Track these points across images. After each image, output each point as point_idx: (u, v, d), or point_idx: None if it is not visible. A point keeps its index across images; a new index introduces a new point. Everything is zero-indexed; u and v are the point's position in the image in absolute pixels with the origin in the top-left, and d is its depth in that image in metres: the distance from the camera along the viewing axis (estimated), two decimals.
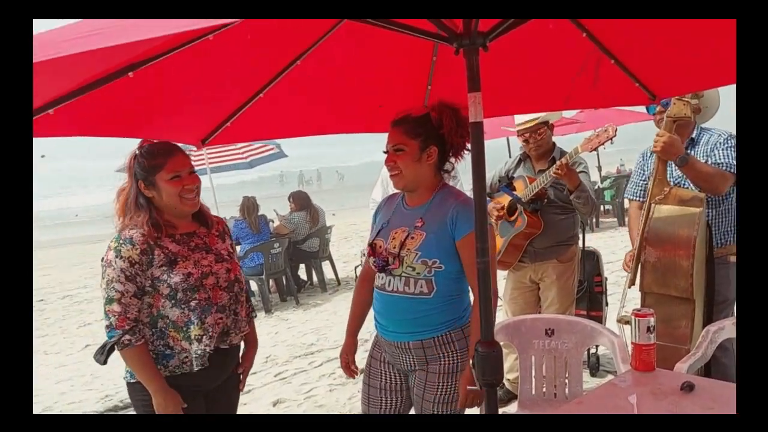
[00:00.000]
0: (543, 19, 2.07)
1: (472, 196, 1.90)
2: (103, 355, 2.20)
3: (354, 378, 2.63)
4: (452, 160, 2.32)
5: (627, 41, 2.38)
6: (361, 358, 2.58)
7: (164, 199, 2.21)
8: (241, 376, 2.52)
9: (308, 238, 8.19)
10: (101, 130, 2.30)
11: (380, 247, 2.32)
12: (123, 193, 2.25)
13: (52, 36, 1.44)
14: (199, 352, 2.21)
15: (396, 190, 2.43)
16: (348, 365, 2.56)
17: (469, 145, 2.20)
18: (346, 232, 13.58)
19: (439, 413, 2.28)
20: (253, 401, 4.44)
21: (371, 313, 2.49)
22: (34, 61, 1.34)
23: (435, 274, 2.21)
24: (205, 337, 2.22)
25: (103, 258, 2.18)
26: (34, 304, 9.20)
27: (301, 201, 8.25)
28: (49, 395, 5.10)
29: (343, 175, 42.13)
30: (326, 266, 8.65)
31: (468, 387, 2.20)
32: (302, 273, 8.83)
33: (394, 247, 2.26)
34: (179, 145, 2.31)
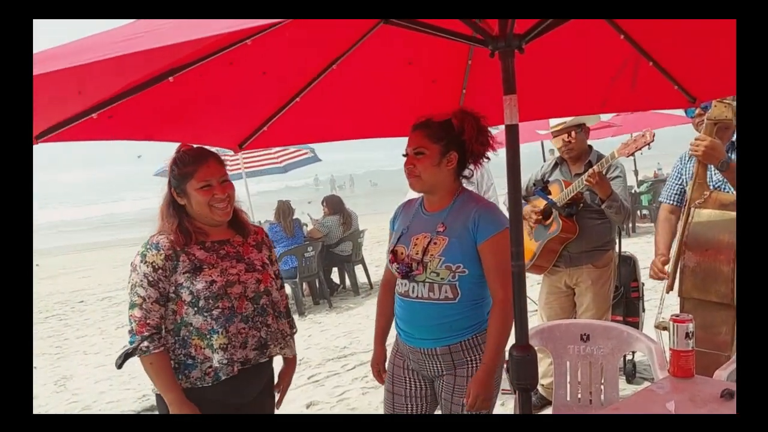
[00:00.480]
0: (580, 22, 2.05)
1: (503, 200, 1.91)
2: (120, 359, 2.15)
3: (383, 383, 2.61)
4: (471, 166, 2.32)
5: (666, 43, 2.34)
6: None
7: (195, 208, 2.19)
8: (279, 394, 2.46)
9: (341, 242, 8.23)
10: (141, 135, 2.35)
11: (402, 253, 2.31)
12: (163, 198, 2.24)
13: (98, 39, 1.47)
14: (224, 361, 2.14)
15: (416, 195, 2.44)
16: (380, 374, 2.56)
17: (489, 153, 2.26)
18: (378, 236, 13.60)
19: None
20: (286, 403, 4.44)
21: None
22: (79, 64, 1.37)
23: (459, 279, 2.21)
24: (230, 346, 2.15)
25: (132, 261, 2.17)
26: (74, 305, 9.43)
27: (334, 205, 8.30)
28: (89, 394, 5.21)
29: (377, 183, 42.22)
30: (359, 270, 8.68)
31: (503, 390, 2.19)
32: (335, 276, 8.87)
33: (417, 253, 2.25)
34: (215, 150, 2.28)
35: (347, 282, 8.68)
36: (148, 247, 2.14)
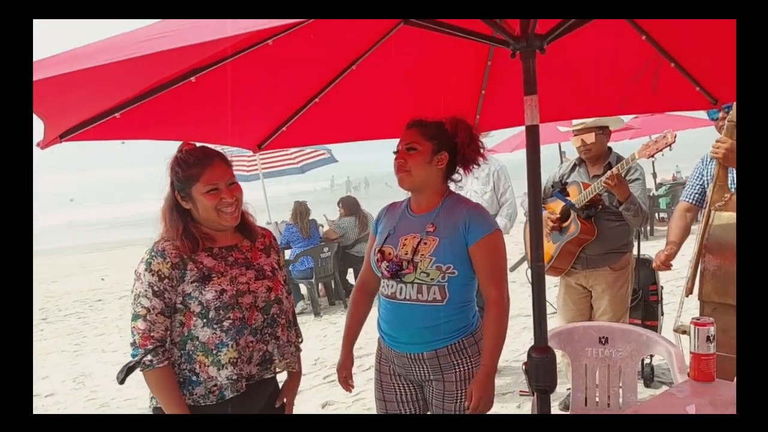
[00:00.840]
0: (601, 23, 2.04)
1: (521, 201, 1.91)
2: (122, 373, 2.02)
3: (350, 392, 2.55)
4: (460, 171, 2.31)
5: (688, 44, 2.33)
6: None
7: (201, 213, 2.03)
8: (285, 409, 2.30)
9: (357, 243, 8.24)
10: (163, 134, 2.37)
11: (389, 253, 2.27)
12: (165, 200, 2.07)
13: (123, 39, 1.49)
14: (233, 377, 2.02)
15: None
16: (346, 380, 2.49)
17: (480, 160, 2.27)
18: None
19: None
20: (302, 403, 4.48)
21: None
22: (105, 63, 1.39)
23: (448, 280, 2.19)
24: (239, 361, 2.02)
25: (136, 269, 2.02)
26: (93, 303, 9.52)
27: (350, 206, 8.31)
28: (107, 392, 5.26)
29: (392, 185, 42.21)
30: None
31: (520, 392, 2.18)
32: (350, 277, 8.88)
33: (406, 253, 2.22)
34: (222, 150, 2.14)
35: None
36: (153, 254, 1.99)
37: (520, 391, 4.10)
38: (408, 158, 2.22)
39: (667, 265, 3.30)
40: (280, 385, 2.32)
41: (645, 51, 2.35)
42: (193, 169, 2.00)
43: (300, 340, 2.31)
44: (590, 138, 3.63)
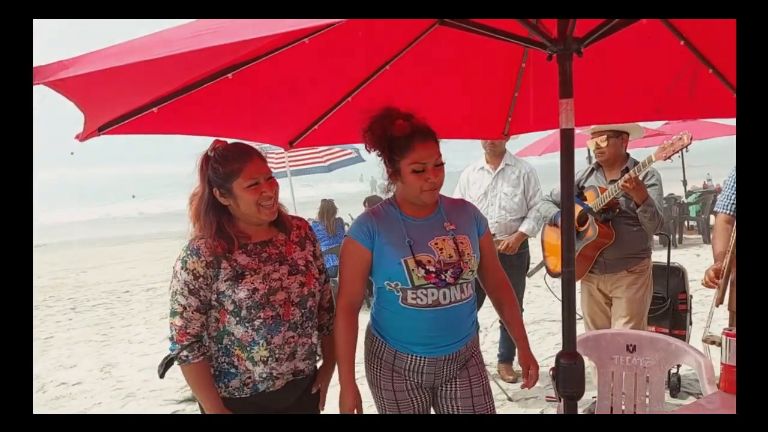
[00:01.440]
0: (639, 26, 2.02)
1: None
2: (161, 367, 2.11)
3: None
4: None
5: (727, 50, 2.29)
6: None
7: (242, 208, 2.05)
8: (321, 395, 2.34)
9: None
10: (198, 130, 2.40)
11: (430, 261, 2.16)
12: (195, 198, 2.08)
13: (165, 36, 1.51)
14: (264, 375, 2.08)
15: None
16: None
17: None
18: None
19: (491, 402, 2.36)
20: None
21: None
22: (146, 59, 1.41)
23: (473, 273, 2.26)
24: (270, 359, 2.07)
25: (173, 266, 2.07)
26: (120, 295, 9.66)
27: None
28: (133, 382, 5.33)
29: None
30: None
31: (547, 398, 2.17)
32: None
33: (450, 256, 2.18)
34: (255, 146, 2.16)
35: None
36: (188, 252, 2.03)
37: (547, 397, 4.08)
38: (440, 173, 2.15)
39: (716, 282, 3.21)
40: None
41: (683, 56, 2.32)
42: (234, 164, 2.02)
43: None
44: (603, 140, 3.60)
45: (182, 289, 2.02)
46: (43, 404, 4.90)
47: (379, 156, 2.19)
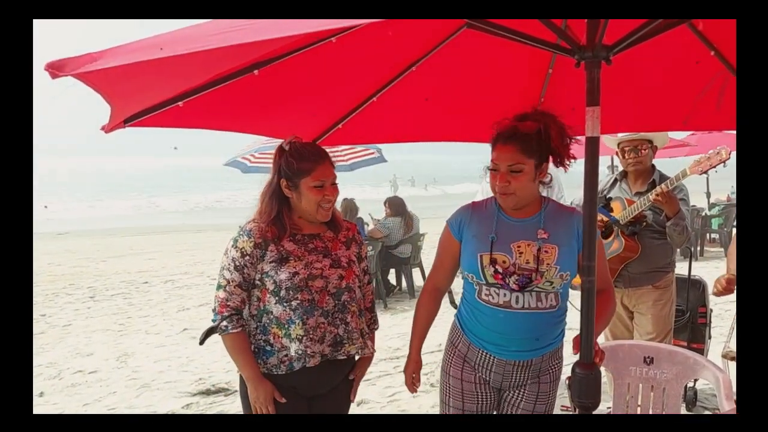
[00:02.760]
0: (668, 36, 2.00)
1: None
2: (203, 335, 2.32)
3: (415, 392, 2.50)
4: (557, 169, 2.20)
5: None
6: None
7: (302, 204, 2.21)
8: (353, 384, 2.44)
9: (401, 244, 8.24)
10: (221, 125, 2.42)
11: (504, 262, 2.15)
12: (267, 185, 2.26)
13: (193, 31, 1.52)
14: (300, 352, 2.18)
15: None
16: (414, 382, 2.43)
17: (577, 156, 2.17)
18: (438, 241, 13.54)
19: None
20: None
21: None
22: (172, 54, 1.42)
23: (563, 286, 2.19)
24: (305, 338, 2.18)
25: (227, 245, 2.24)
26: (139, 285, 9.74)
27: (396, 207, 8.32)
28: (148, 373, 5.38)
29: (428, 185, 42.59)
30: (416, 273, 8.67)
31: (562, 407, 2.15)
32: (392, 278, 8.89)
33: (527, 262, 2.14)
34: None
35: (404, 284, 8.68)
36: (241, 232, 2.21)
37: (562, 406, 4.05)
38: (513, 180, 2.11)
39: (729, 290, 3.16)
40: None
41: (713, 66, 2.29)
42: (307, 163, 2.19)
43: (375, 326, 2.53)
44: (641, 151, 3.54)
45: (229, 264, 2.19)
46: (59, 391, 4.95)
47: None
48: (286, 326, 2.19)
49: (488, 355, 2.25)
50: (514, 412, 2.30)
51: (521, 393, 2.29)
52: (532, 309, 2.16)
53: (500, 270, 2.15)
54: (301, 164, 2.18)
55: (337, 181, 2.26)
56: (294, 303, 2.18)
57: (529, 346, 2.20)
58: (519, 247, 2.16)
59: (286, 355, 2.20)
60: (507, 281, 2.14)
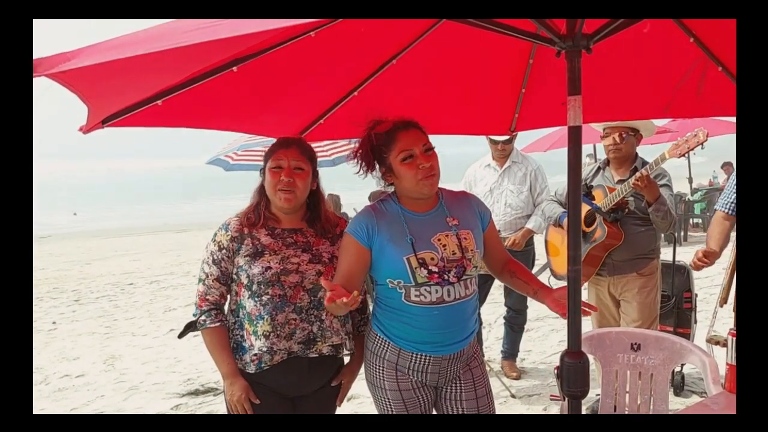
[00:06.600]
0: (648, 23, 2.00)
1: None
2: (182, 329, 2.32)
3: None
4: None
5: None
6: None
7: (267, 189, 2.24)
8: (341, 389, 2.38)
9: None
10: (202, 123, 2.39)
11: (434, 259, 2.13)
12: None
13: (168, 28, 1.50)
14: (264, 349, 2.16)
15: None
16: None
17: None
18: None
19: (493, 401, 2.37)
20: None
21: None
22: (149, 51, 1.39)
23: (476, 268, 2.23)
24: (272, 334, 2.16)
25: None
26: (124, 287, 9.68)
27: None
28: (136, 375, 5.34)
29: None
30: None
31: (551, 396, 2.16)
32: None
33: (454, 253, 2.15)
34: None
35: None
36: (221, 226, 2.25)
37: (551, 395, 4.07)
38: (432, 160, 2.14)
39: (704, 262, 3.17)
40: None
41: (692, 54, 2.30)
42: (272, 147, 2.28)
43: (363, 329, 2.40)
44: (622, 138, 3.56)
45: (208, 258, 2.24)
46: (45, 396, 4.91)
47: (374, 172, 2.24)
48: (255, 322, 2.18)
49: (423, 356, 2.19)
50: (456, 405, 2.29)
51: (458, 385, 2.29)
52: (462, 298, 2.18)
53: (435, 269, 2.12)
54: (269, 149, 2.27)
55: (304, 168, 2.25)
56: (264, 298, 2.18)
57: (462, 334, 2.23)
58: (440, 240, 2.17)
59: (255, 354, 2.18)
60: (447, 277, 2.13)
